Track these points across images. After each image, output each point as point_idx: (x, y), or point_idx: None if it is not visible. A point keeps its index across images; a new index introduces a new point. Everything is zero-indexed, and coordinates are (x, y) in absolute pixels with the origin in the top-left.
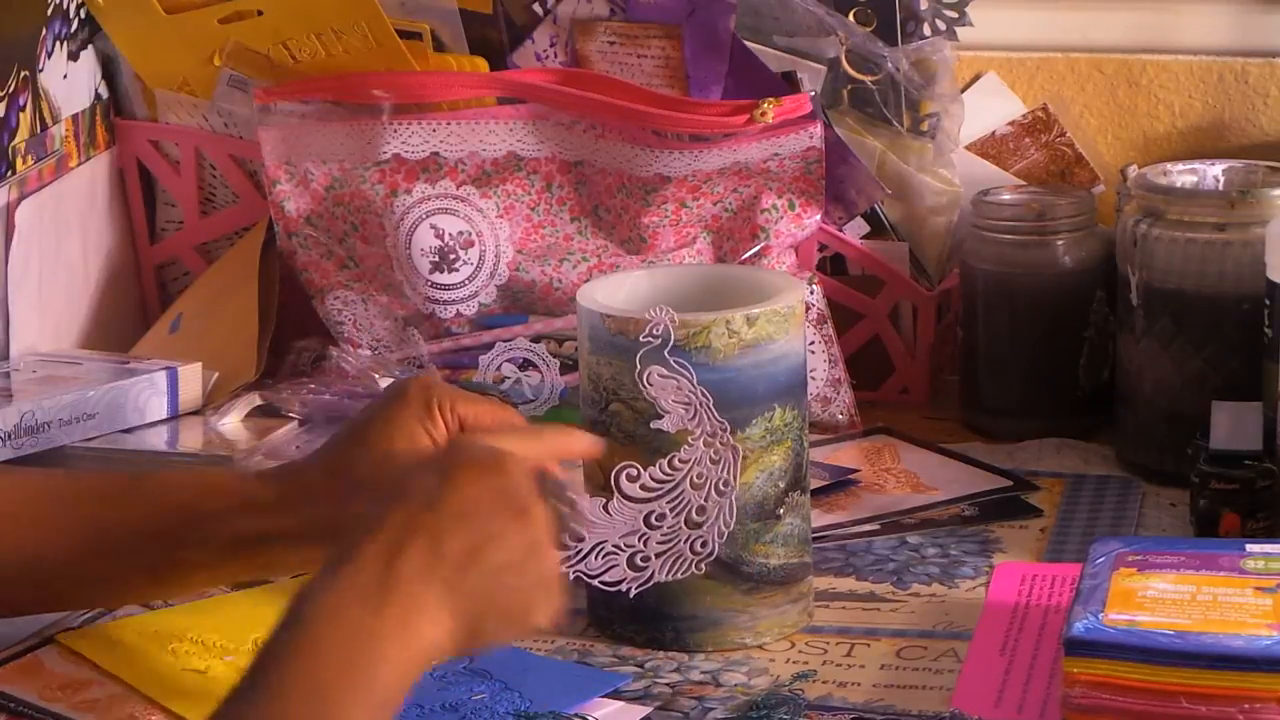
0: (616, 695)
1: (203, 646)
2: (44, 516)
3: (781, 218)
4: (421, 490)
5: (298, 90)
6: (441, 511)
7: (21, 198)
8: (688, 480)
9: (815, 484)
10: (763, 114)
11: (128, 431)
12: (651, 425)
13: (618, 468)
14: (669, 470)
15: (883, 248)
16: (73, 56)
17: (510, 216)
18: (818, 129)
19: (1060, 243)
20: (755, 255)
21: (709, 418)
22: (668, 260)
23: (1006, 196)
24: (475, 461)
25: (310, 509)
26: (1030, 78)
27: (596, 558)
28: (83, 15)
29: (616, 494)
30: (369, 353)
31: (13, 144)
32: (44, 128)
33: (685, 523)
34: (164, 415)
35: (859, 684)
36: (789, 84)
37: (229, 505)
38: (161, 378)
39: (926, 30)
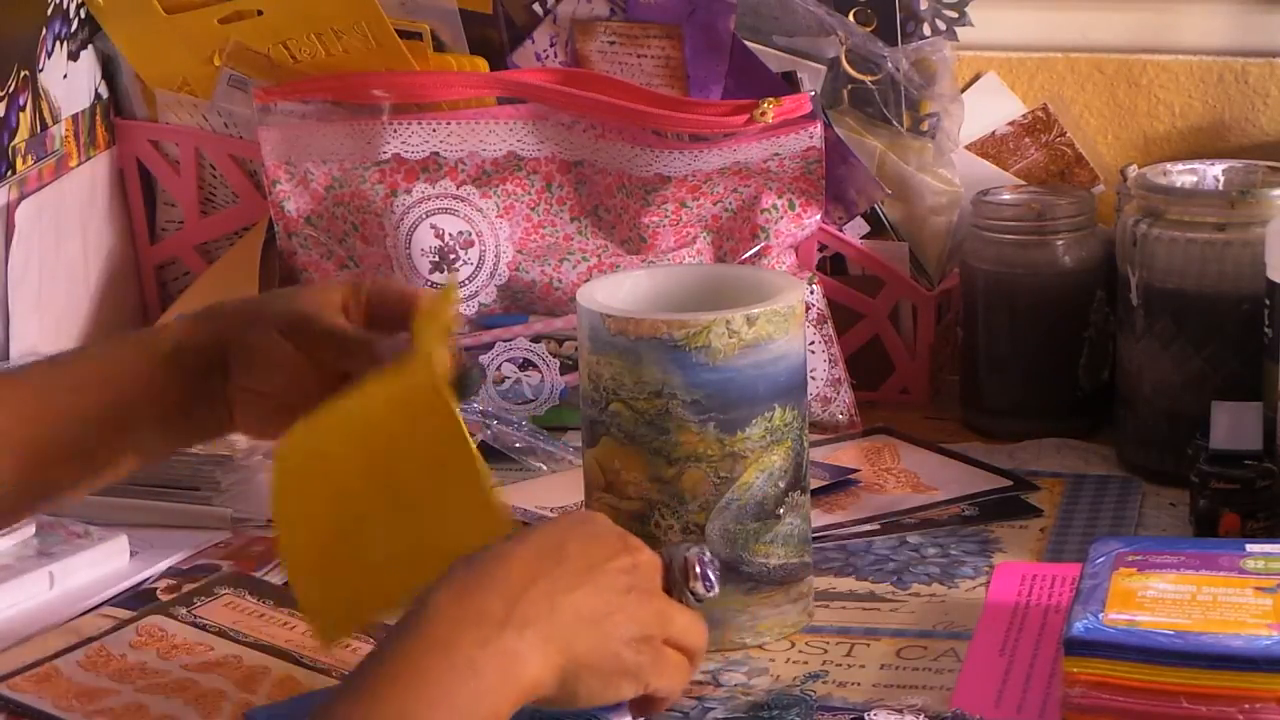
0: None
1: None
2: None
3: (781, 218)
4: (553, 540)
5: (298, 90)
6: (570, 566)
7: (21, 198)
8: None
9: (815, 484)
10: (763, 114)
11: None
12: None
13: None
14: None
15: (883, 248)
16: (73, 56)
17: (510, 216)
18: (818, 129)
19: (1060, 243)
20: (755, 255)
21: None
22: (668, 260)
23: (1006, 196)
24: (613, 533)
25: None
26: (1030, 78)
27: None
28: (83, 15)
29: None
30: None
31: (13, 144)
32: (44, 128)
33: None
34: None
35: (859, 684)
36: (789, 84)
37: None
38: None
39: (926, 30)
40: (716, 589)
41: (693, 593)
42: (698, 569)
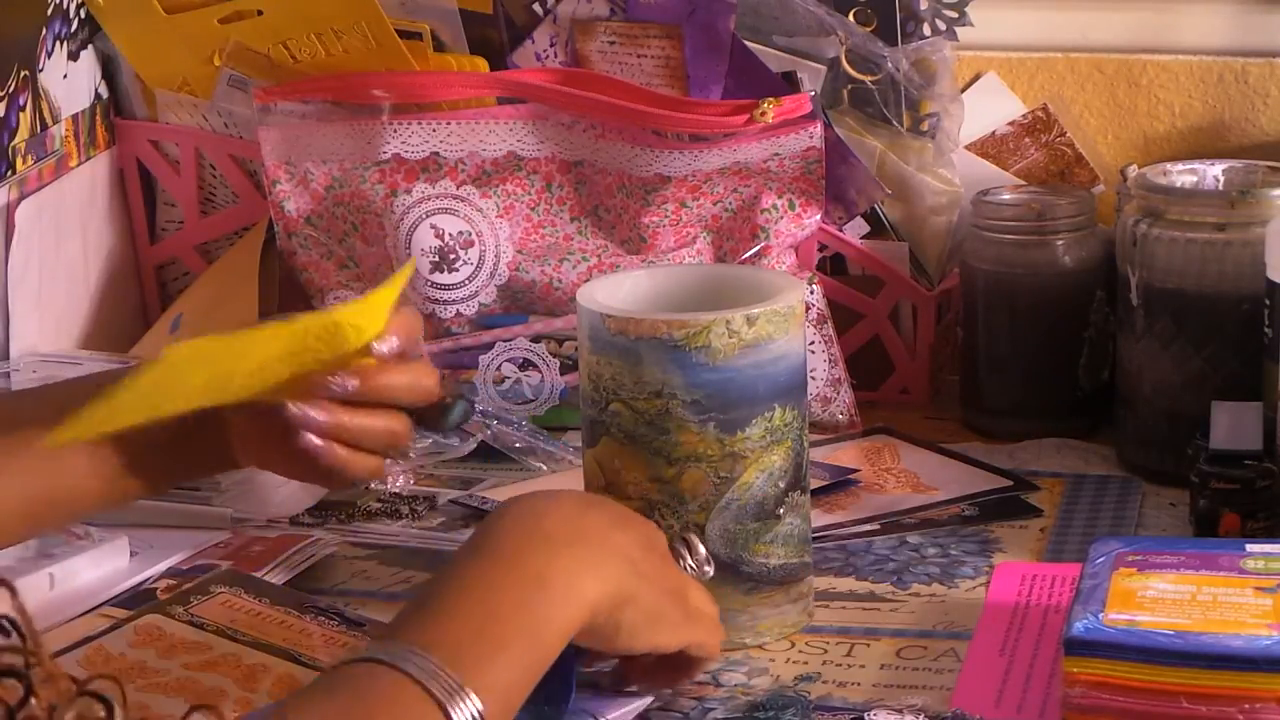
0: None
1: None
2: None
3: (781, 218)
4: (585, 497)
5: (298, 90)
6: (609, 513)
7: (21, 198)
8: None
9: (815, 484)
10: (763, 114)
11: None
12: None
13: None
14: None
15: (883, 248)
16: (73, 56)
17: (510, 216)
18: (818, 129)
19: (1060, 243)
20: (755, 255)
21: None
22: (668, 260)
23: (1006, 196)
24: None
25: None
26: (1030, 78)
27: None
28: (83, 15)
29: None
30: None
31: (13, 144)
32: (44, 128)
33: None
34: None
35: (859, 684)
36: (789, 84)
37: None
38: None
39: (926, 30)
40: (712, 573)
41: (699, 570)
42: (701, 550)
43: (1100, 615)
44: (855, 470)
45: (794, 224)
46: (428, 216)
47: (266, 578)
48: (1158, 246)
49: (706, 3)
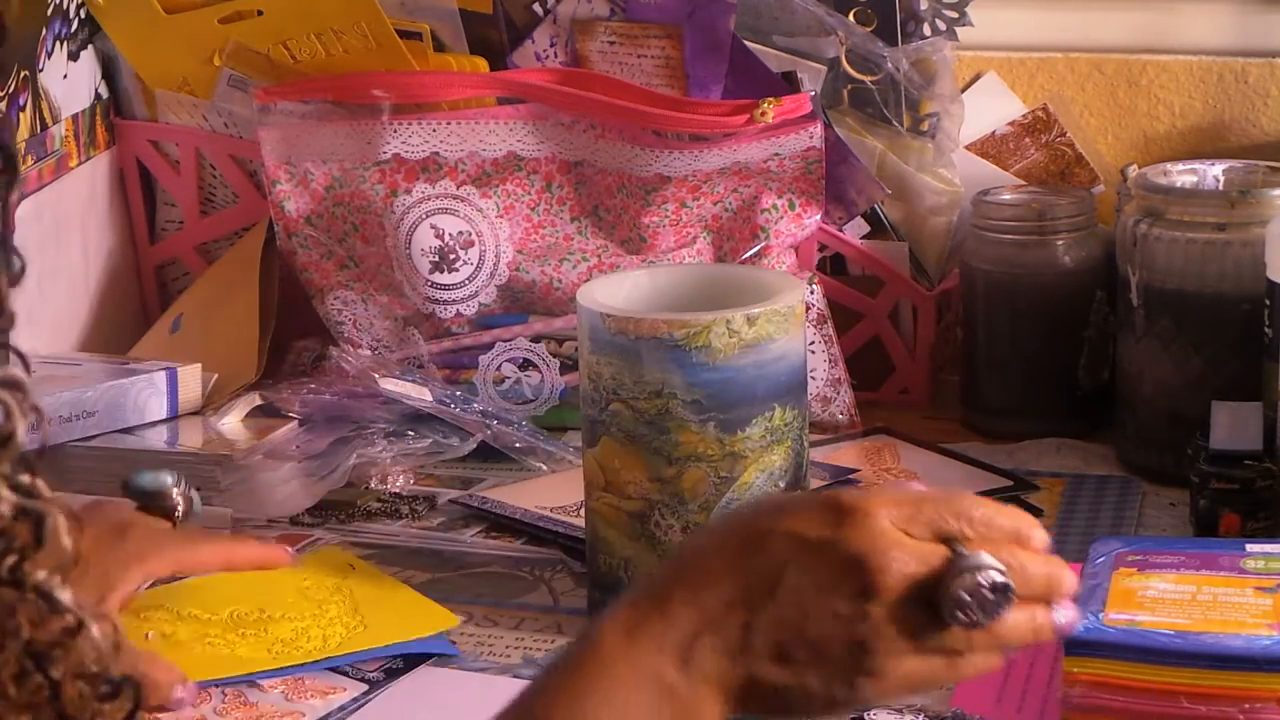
0: None
1: (175, 614)
2: None
3: (781, 218)
4: (761, 560)
5: (298, 90)
6: (778, 599)
7: (21, 198)
8: None
9: (815, 484)
10: (763, 114)
11: (127, 431)
12: None
13: None
14: None
15: (883, 248)
16: (73, 56)
17: (510, 216)
18: (818, 129)
19: (1060, 243)
20: (755, 255)
21: None
22: (668, 260)
23: (1006, 196)
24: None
25: None
26: (1030, 78)
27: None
28: (83, 15)
29: None
30: (369, 353)
31: (13, 144)
32: (44, 128)
33: None
34: (163, 415)
35: None
36: (789, 84)
37: None
38: (161, 378)
39: (926, 30)
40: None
41: (953, 615)
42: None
43: (1100, 615)
44: (855, 470)
45: (794, 224)
46: (428, 216)
47: None
48: (1158, 246)
49: (706, 3)
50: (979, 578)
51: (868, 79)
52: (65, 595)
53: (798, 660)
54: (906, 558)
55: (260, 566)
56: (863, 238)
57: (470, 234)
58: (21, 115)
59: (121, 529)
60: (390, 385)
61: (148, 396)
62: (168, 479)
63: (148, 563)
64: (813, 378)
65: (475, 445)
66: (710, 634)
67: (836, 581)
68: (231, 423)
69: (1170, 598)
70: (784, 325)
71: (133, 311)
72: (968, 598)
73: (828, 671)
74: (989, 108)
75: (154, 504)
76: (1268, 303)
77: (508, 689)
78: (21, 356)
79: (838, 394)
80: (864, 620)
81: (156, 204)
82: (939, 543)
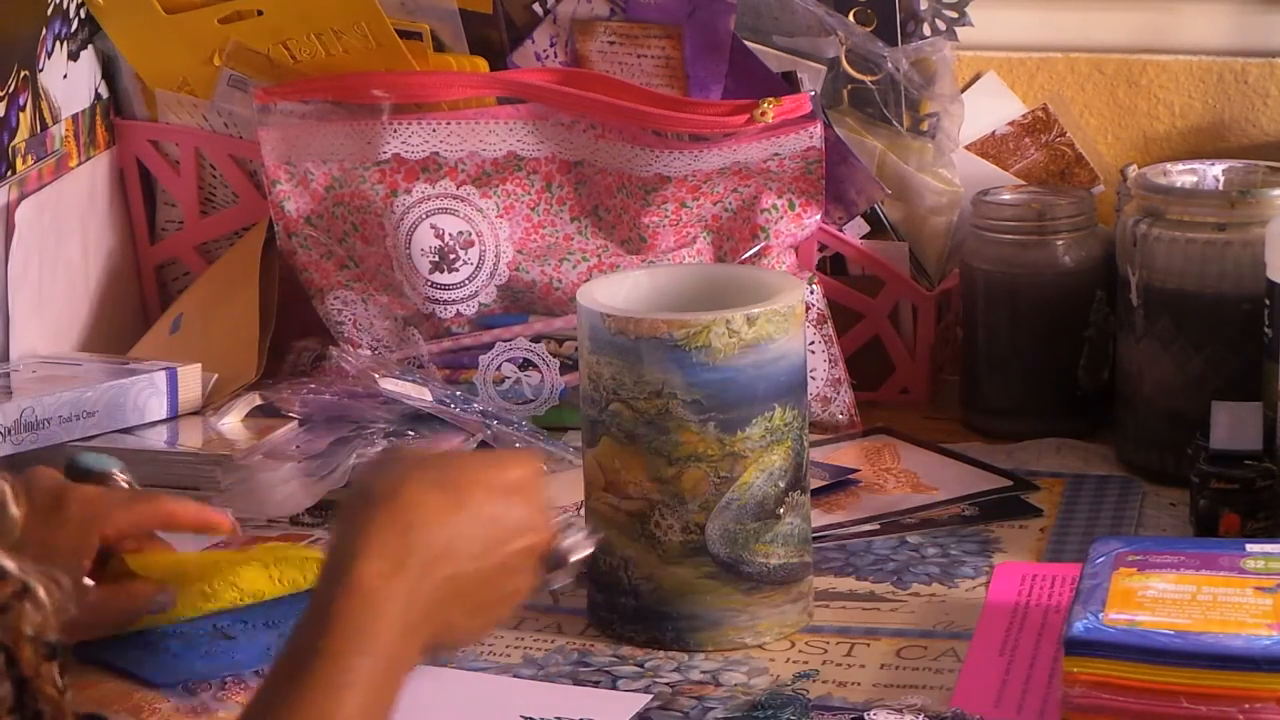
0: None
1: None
2: None
3: (781, 218)
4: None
5: (298, 90)
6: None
7: (21, 198)
8: None
9: (815, 484)
10: (763, 114)
11: (127, 431)
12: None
13: None
14: None
15: (883, 248)
16: (73, 56)
17: (510, 216)
18: (818, 129)
19: (1060, 243)
20: (755, 255)
21: None
22: (668, 260)
23: (1006, 196)
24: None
25: None
26: (1030, 78)
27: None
28: (83, 15)
29: None
30: (369, 353)
31: (13, 144)
32: (44, 128)
33: None
34: (163, 415)
35: (859, 684)
36: (789, 84)
37: None
38: (161, 378)
39: (926, 30)
40: (561, 585)
41: (549, 580)
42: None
43: (1100, 615)
44: (855, 470)
45: (794, 224)
46: (428, 216)
47: None
48: (1158, 246)
49: (706, 3)
50: None
51: (868, 79)
52: (8, 562)
53: None
54: None
55: (201, 529)
56: (863, 238)
57: (470, 234)
58: (21, 115)
59: (57, 495)
60: (390, 385)
61: (148, 396)
62: (112, 464)
63: (98, 524)
64: (813, 378)
65: (475, 445)
66: None
67: None
68: (231, 423)
69: (1170, 598)
70: (784, 325)
71: (133, 311)
72: None
73: None
74: (989, 108)
75: (96, 484)
76: (1268, 303)
77: (508, 689)
78: None
79: (838, 394)
80: None
81: (156, 204)
82: None
